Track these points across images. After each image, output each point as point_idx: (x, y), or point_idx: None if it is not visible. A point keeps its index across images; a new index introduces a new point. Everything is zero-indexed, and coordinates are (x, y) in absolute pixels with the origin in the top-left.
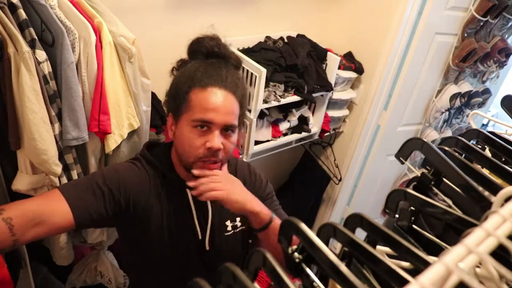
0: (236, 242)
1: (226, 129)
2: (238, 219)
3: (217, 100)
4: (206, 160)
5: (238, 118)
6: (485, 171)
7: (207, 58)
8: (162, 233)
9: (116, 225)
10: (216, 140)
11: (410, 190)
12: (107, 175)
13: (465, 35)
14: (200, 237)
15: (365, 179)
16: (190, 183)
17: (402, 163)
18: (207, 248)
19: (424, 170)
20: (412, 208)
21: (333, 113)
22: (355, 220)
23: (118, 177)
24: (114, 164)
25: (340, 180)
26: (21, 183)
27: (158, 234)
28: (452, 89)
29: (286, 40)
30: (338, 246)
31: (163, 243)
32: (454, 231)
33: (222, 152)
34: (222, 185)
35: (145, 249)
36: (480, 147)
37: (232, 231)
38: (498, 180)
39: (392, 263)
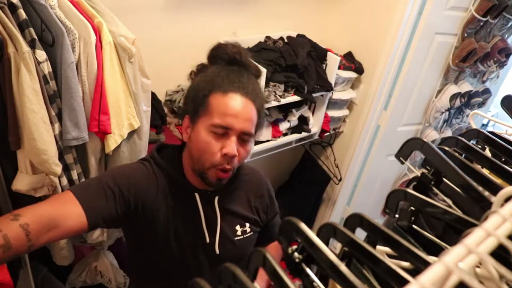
0: (246, 247)
1: (243, 137)
2: (247, 224)
3: (237, 106)
4: (221, 168)
5: (255, 128)
6: (485, 171)
7: (228, 65)
8: (169, 236)
9: (124, 226)
10: (232, 146)
11: (410, 190)
12: (117, 176)
13: (465, 35)
14: (208, 240)
15: (365, 179)
16: None
17: (402, 163)
18: (217, 252)
19: (424, 170)
20: (412, 208)
21: (333, 113)
22: (355, 220)
23: (127, 177)
24: (123, 164)
25: (340, 180)
26: (21, 183)
27: (164, 237)
28: (452, 89)
29: (286, 40)
30: (338, 246)
31: (170, 246)
32: (454, 231)
33: (236, 160)
34: None
35: (152, 252)
36: (480, 147)
37: (242, 236)
38: (498, 180)
39: (392, 263)
